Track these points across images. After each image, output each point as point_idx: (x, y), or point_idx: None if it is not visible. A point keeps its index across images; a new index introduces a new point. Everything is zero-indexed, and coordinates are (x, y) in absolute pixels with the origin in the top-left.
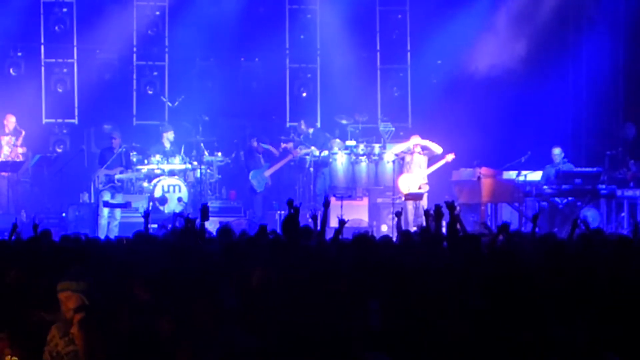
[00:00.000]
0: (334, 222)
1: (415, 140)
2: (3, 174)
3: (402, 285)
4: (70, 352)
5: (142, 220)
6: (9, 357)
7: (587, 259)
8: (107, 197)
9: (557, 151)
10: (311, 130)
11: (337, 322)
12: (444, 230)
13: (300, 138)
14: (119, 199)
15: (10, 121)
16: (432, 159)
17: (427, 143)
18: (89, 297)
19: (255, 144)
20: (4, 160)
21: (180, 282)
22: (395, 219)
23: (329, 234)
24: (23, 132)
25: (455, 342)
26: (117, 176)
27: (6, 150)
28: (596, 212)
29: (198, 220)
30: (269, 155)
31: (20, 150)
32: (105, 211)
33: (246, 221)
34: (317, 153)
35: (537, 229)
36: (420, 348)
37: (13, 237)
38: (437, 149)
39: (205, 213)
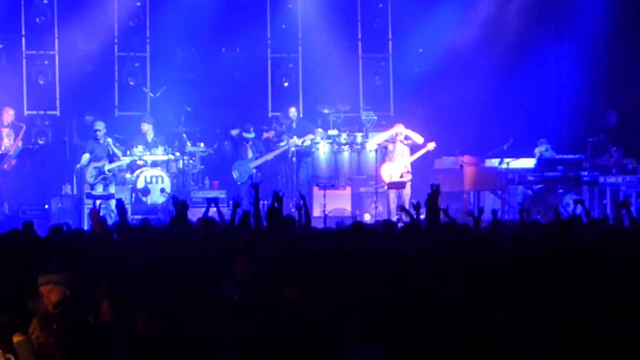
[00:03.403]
0: (316, 212)
1: (399, 128)
2: None
3: (383, 273)
4: (51, 344)
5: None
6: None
7: (570, 247)
8: (100, 189)
9: (537, 151)
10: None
11: (324, 312)
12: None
13: (282, 127)
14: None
15: (9, 113)
16: (414, 148)
17: (409, 133)
18: (71, 289)
19: (234, 132)
20: (3, 152)
21: (171, 273)
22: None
23: (315, 224)
24: (24, 127)
25: (434, 329)
26: (106, 167)
27: (6, 142)
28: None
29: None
30: (264, 145)
31: (20, 143)
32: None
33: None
34: (299, 143)
35: (524, 216)
36: (402, 336)
37: None
38: (419, 139)
39: (184, 208)
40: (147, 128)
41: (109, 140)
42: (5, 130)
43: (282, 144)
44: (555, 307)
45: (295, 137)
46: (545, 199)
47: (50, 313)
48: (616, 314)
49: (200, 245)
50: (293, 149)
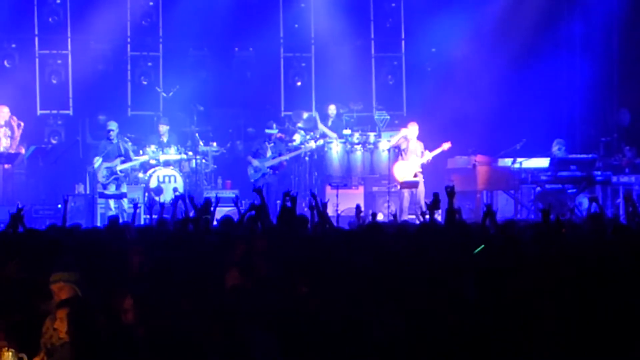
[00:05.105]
0: (329, 212)
1: (413, 128)
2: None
3: (394, 273)
4: (64, 344)
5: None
6: (6, 349)
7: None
8: (112, 189)
9: (554, 148)
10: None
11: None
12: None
13: (328, 122)
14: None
15: (4, 111)
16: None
17: (427, 154)
18: (81, 287)
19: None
20: (1, 152)
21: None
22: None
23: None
24: (22, 124)
25: (446, 331)
26: (118, 167)
27: (4, 142)
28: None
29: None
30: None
31: (17, 142)
32: (112, 203)
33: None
34: (314, 146)
35: (532, 216)
36: (412, 338)
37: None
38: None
39: (207, 207)
40: (165, 130)
41: (120, 137)
42: (1, 130)
43: (293, 144)
44: (565, 307)
45: (312, 141)
46: (554, 195)
47: (62, 313)
48: (626, 314)
49: (219, 243)
50: (308, 152)
